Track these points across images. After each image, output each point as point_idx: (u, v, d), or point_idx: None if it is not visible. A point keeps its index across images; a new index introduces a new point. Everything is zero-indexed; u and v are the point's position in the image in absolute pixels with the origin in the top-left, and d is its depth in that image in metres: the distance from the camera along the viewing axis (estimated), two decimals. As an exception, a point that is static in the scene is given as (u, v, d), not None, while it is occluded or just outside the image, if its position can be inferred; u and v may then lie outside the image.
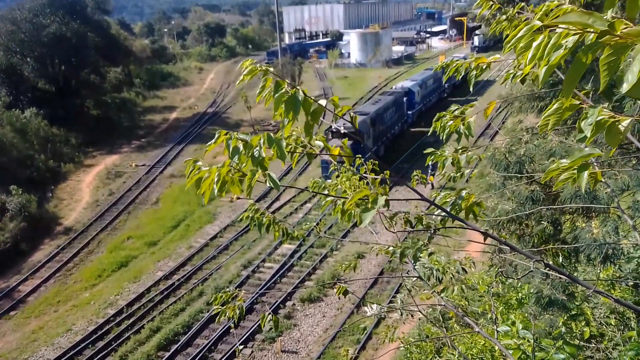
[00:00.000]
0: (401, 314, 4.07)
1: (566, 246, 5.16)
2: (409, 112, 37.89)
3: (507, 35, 3.26)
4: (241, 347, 15.72)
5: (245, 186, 2.19)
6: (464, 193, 2.64)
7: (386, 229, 3.29)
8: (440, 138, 2.74)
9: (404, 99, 36.97)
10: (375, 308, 4.88)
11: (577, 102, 1.37)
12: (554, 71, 1.38)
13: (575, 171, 1.48)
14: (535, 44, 1.28)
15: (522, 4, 3.06)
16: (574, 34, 1.18)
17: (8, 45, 40.99)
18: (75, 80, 46.15)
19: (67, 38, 41.87)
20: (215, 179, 2.14)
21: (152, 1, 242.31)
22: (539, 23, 1.33)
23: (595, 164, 1.86)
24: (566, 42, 1.20)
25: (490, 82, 49.91)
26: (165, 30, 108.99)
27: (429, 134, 3.02)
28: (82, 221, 27.51)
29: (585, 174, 1.44)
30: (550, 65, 1.23)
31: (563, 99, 1.38)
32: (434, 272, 3.83)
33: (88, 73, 48.10)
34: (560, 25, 1.20)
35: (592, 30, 1.15)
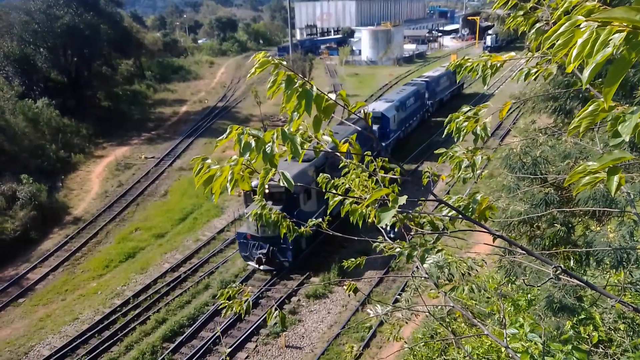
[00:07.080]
0: (408, 318, 4.03)
1: (579, 249, 5.10)
2: (382, 144, 29.25)
3: (523, 33, 3.20)
4: (228, 349, 15.57)
5: (258, 187, 2.14)
6: (478, 197, 2.59)
7: (402, 231, 3.24)
8: (455, 140, 2.69)
9: (375, 127, 28.28)
10: (379, 309, 4.77)
11: (614, 104, 1.31)
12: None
13: (597, 175, 1.43)
14: (580, 40, 1.21)
15: None
16: (620, 31, 1.12)
17: (22, 36, 41.32)
18: (87, 71, 46.50)
19: (80, 30, 42.14)
20: (229, 178, 2.07)
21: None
22: (581, 18, 1.27)
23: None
24: (612, 39, 1.13)
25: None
26: (177, 23, 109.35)
27: (443, 135, 2.94)
28: (91, 211, 27.73)
29: (616, 177, 1.38)
30: (598, 64, 1.16)
31: (600, 100, 1.32)
32: (445, 268, 3.75)
33: (100, 65, 48.42)
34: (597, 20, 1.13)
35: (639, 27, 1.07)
